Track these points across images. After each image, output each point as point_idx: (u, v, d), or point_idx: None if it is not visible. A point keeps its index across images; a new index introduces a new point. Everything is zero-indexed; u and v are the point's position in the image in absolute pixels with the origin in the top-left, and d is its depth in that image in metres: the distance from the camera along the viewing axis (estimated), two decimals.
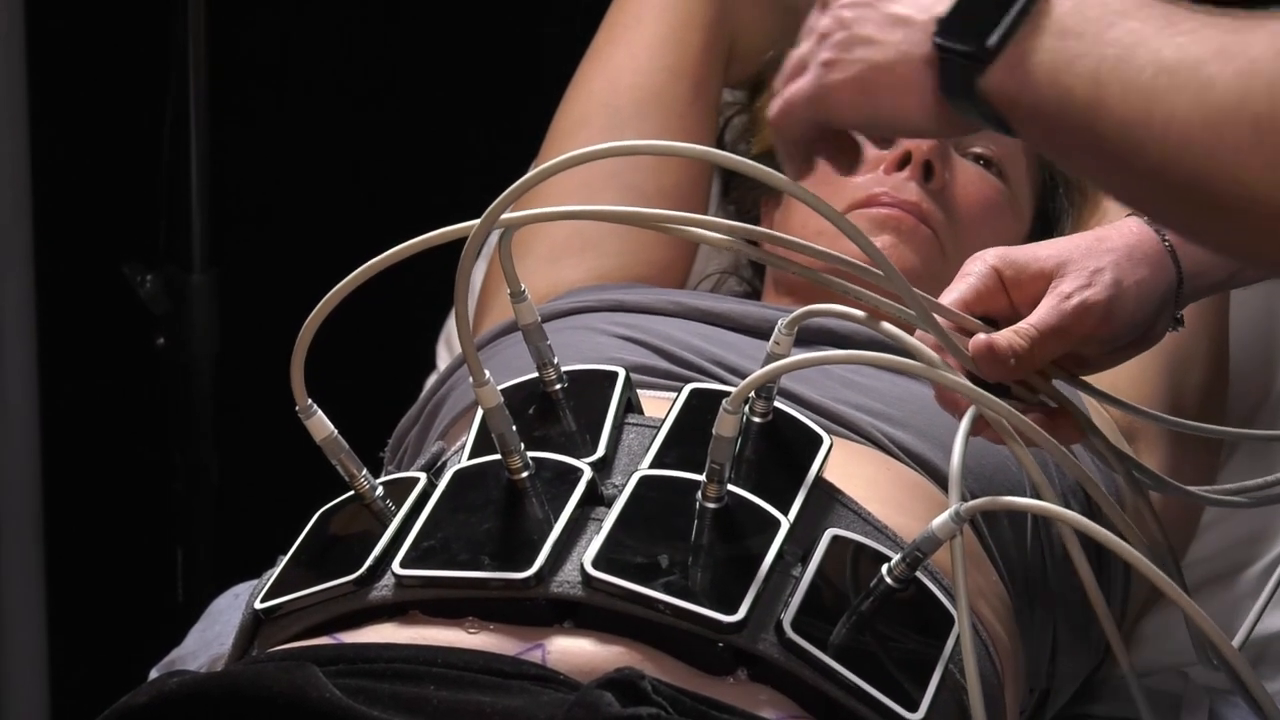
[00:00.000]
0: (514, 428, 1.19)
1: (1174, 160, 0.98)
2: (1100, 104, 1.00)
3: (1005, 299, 1.22)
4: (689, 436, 1.23)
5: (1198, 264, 1.24)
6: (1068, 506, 1.35)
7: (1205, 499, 1.32)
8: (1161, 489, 1.29)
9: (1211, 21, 0.99)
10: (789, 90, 1.14)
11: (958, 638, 1.18)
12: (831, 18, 1.13)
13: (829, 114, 1.13)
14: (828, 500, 1.23)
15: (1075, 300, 1.20)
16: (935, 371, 1.16)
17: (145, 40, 2.19)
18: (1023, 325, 1.19)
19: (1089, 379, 1.25)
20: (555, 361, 1.24)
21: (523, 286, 1.21)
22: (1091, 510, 1.32)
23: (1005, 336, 1.19)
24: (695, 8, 1.75)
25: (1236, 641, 1.28)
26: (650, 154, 1.13)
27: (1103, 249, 1.21)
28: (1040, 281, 1.22)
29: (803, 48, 1.15)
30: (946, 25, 1.07)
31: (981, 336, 1.18)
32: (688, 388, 1.27)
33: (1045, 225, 1.67)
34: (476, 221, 1.15)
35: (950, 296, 1.21)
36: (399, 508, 1.22)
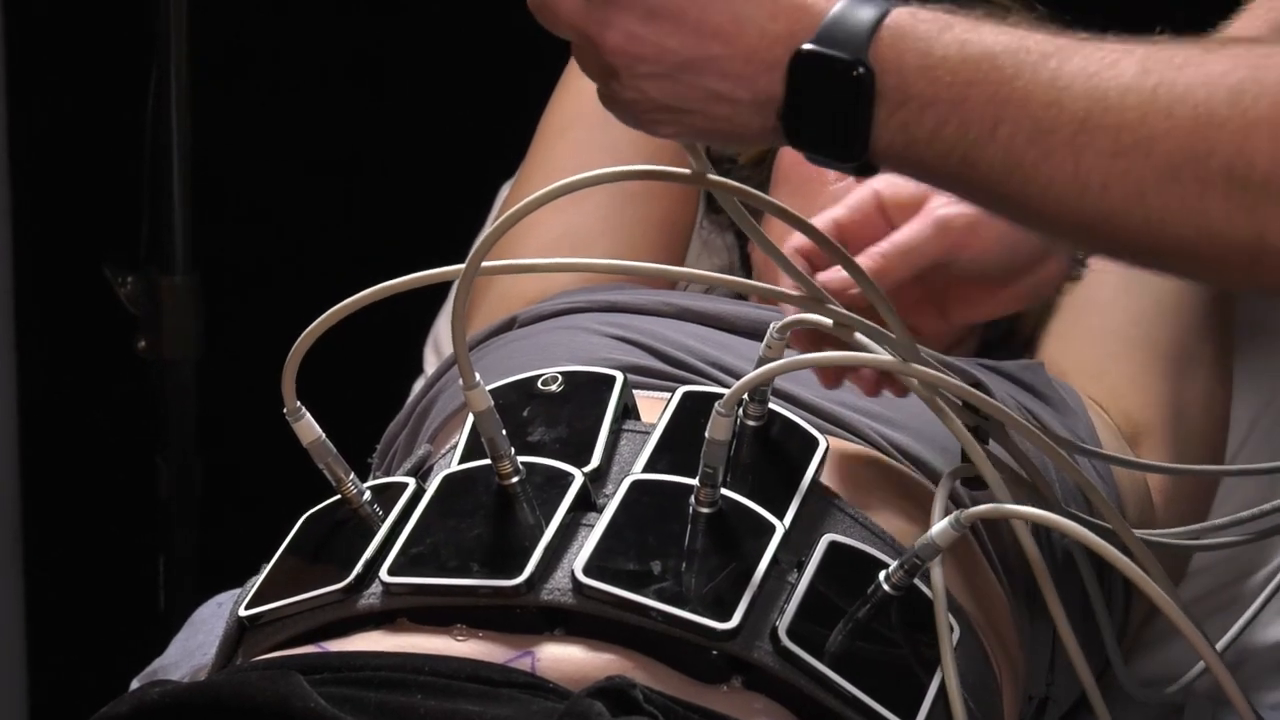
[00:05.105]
0: (504, 432, 1.18)
1: (1112, 214, 0.95)
2: (1016, 165, 0.96)
3: (883, 223, 1.25)
4: (682, 441, 1.22)
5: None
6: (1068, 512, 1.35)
7: (1195, 546, 1.35)
8: (1158, 546, 1.30)
9: (1114, 52, 0.96)
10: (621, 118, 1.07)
11: (955, 646, 1.17)
12: (630, 87, 1.04)
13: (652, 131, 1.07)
14: (825, 504, 1.23)
15: (937, 215, 1.22)
16: (911, 368, 1.16)
17: (126, 39, 2.20)
18: (879, 244, 1.23)
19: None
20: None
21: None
22: (1092, 515, 1.31)
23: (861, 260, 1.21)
24: None
25: (1223, 644, 1.30)
26: (635, 179, 1.15)
27: None
28: (917, 204, 1.24)
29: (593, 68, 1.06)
30: (794, 132, 1.01)
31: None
32: (680, 391, 1.26)
33: None
34: (461, 266, 1.15)
35: (826, 216, 1.24)
36: (386, 513, 1.21)
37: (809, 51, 0.99)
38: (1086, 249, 1.01)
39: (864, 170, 1.01)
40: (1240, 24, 1.31)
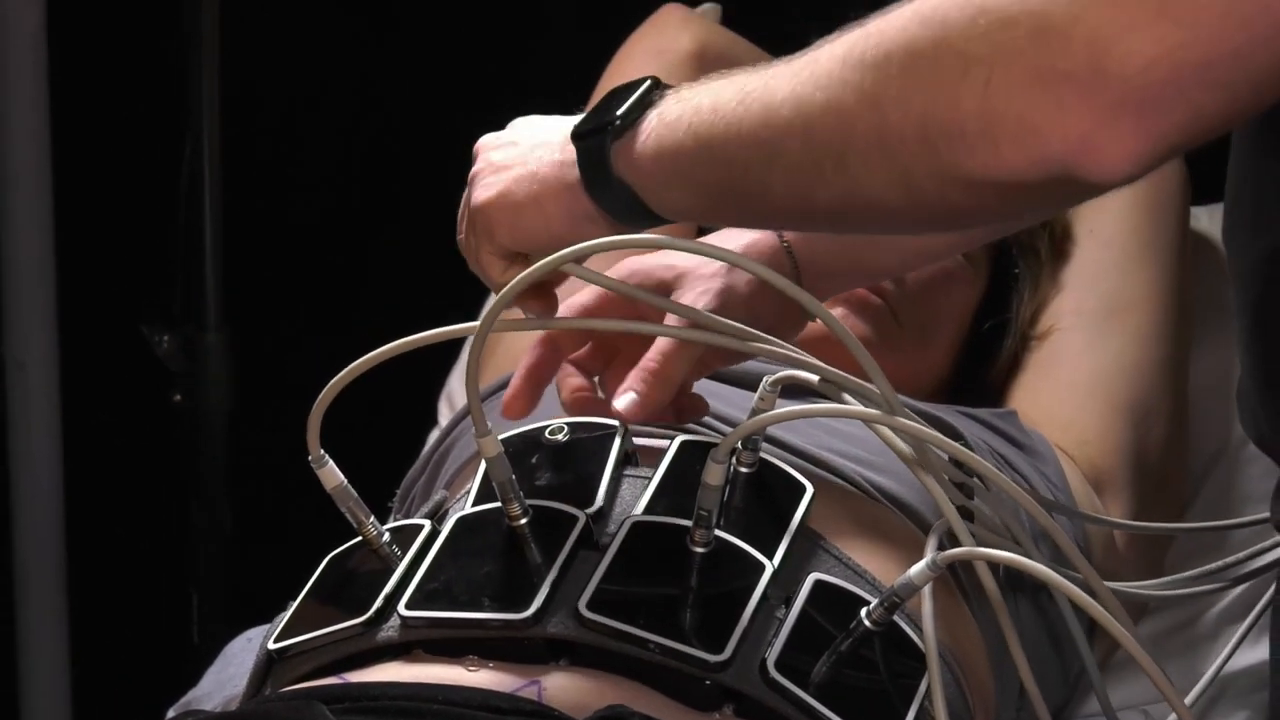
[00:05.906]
0: (514, 477, 1.22)
1: (806, 111, 1.08)
2: (707, 143, 1.13)
3: (629, 308, 1.32)
4: (679, 486, 1.26)
5: (812, 256, 1.37)
6: (1036, 551, 1.41)
7: (1164, 597, 1.41)
8: (1128, 596, 1.36)
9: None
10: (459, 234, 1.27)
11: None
12: (482, 160, 1.26)
13: (489, 236, 1.24)
14: (811, 546, 1.27)
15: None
16: (895, 420, 1.21)
17: (161, 105, 2.23)
18: (645, 359, 1.31)
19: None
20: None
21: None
22: (1060, 558, 1.35)
23: (633, 377, 1.30)
24: (680, 58, 1.83)
25: (1191, 697, 1.35)
26: (645, 245, 1.23)
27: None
28: (662, 292, 1.33)
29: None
30: (581, 123, 1.21)
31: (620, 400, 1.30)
32: (678, 439, 1.31)
33: (1002, 289, 1.73)
34: (474, 324, 1.21)
35: (577, 300, 1.33)
36: (404, 553, 1.25)
37: (616, 87, 1.20)
38: (790, 163, 1.11)
39: (599, 172, 1.19)
40: None
